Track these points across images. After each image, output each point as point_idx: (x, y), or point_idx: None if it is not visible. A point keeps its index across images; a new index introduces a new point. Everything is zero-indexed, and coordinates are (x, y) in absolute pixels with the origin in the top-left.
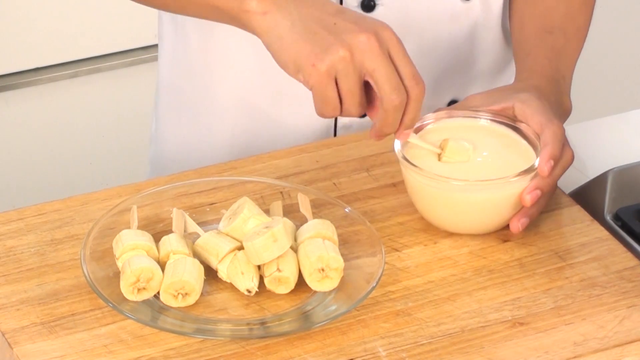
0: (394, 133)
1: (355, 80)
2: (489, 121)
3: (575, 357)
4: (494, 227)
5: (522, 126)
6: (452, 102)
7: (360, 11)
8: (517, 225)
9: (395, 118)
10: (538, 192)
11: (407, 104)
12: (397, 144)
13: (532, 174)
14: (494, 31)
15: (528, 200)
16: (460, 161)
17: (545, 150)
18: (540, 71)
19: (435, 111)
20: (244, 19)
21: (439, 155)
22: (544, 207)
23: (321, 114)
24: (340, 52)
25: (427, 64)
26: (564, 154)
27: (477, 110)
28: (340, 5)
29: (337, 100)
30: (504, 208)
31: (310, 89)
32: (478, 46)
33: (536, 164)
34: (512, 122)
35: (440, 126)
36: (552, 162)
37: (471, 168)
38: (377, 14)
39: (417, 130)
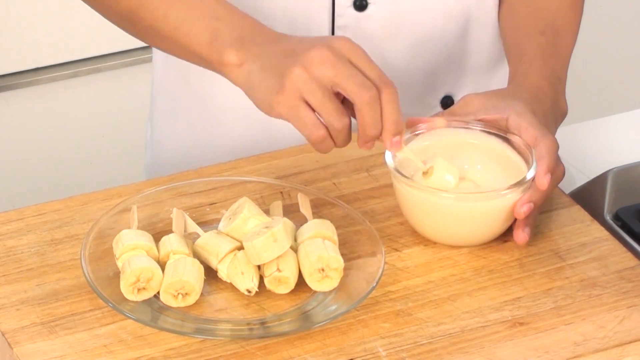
0: (385, 145)
1: (322, 93)
2: (481, 132)
3: (575, 357)
4: (485, 239)
5: (514, 138)
6: (446, 98)
7: (353, 11)
8: (523, 236)
9: (372, 116)
10: (531, 205)
11: (382, 107)
12: (389, 156)
13: (524, 186)
14: (487, 27)
15: (522, 213)
16: (445, 184)
17: (541, 163)
18: (536, 74)
19: (431, 116)
20: (224, 71)
21: (424, 173)
22: (538, 215)
23: (313, 142)
24: (295, 71)
25: (420, 60)
26: (556, 168)
27: (469, 122)
28: (303, 37)
29: (315, 119)
30: (496, 221)
31: (287, 119)
32: (471, 42)
33: (528, 177)
34: (504, 134)
35: (432, 136)
36: (549, 176)
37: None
38: (369, 12)
39: (408, 141)
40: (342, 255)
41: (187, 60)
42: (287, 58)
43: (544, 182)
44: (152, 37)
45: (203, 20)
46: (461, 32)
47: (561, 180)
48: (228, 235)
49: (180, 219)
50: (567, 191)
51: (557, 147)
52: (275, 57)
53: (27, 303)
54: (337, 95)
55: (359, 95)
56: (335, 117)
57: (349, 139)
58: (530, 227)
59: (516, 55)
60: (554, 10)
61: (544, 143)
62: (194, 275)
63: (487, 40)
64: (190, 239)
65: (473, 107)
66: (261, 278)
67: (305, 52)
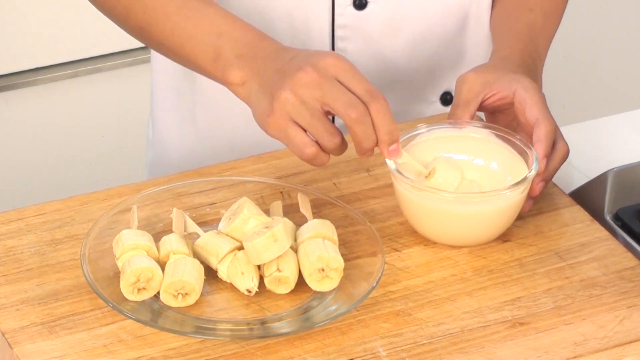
0: (383, 154)
1: (310, 115)
2: (481, 131)
3: (575, 357)
4: (486, 239)
5: (514, 138)
6: (445, 94)
7: (352, 10)
8: (535, 188)
9: (364, 132)
10: (543, 182)
11: (373, 120)
12: None
13: (524, 186)
14: (485, 23)
15: (537, 190)
16: (449, 184)
17: (538, 147)
18: (522, 49)
19: (431, 117)
20: (229, 88)
21: (426, 176)
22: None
23: (304, 160)
24: (283, 95)
25: (420, 57)
26: (558, 148)
27: (466, 122)
28: (297, 49)
29: (304, 138)
30: (496, 221)
31: (279, 140)
32: (470, 39)
33: (528, 177)
34: (504, 134)
35: (432, 137)
36: (545, 160)
37: (463, 180)
38: (368, 11)
39: (408, 140)
40: (342, 255)
41: (197, 73)
42: (278, 80)
43: (539, 165)
44: (162, 51)
45: (207, 37)
46: (459, 29)
47: (566, 157)
48: (228, 235)
49: (180, 219)
50: (567, 191)
51: (556, 129)
52: (269, 77)
53: (27, 303)
54: (329, 112)
55: (347, 114)
56: (325, 138)
57: (343, 150)
58: (546, 181)
59: (504, 28)
60: None
61: (544, 125)
62: (194, 275)
63: (485, 37)
64: (190, 239)
65: (477, 87)
66: (261, 278)
67: (293, 74)
